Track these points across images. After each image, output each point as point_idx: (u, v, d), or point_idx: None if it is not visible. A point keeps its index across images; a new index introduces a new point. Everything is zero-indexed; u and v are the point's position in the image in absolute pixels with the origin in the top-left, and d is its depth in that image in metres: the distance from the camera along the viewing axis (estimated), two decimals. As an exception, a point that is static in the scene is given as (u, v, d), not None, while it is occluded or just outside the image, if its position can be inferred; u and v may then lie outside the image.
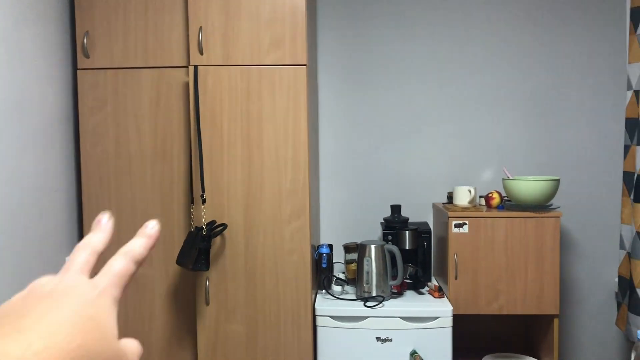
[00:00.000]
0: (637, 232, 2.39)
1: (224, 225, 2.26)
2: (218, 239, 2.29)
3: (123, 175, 2.36)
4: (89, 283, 0.40)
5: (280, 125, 2.27)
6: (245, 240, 2.30)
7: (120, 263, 0.43)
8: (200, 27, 2.27)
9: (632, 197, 2.47)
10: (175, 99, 2.34)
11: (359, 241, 2.79)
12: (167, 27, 2.33)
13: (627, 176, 2.53)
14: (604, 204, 2.84)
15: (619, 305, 2.59)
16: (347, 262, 2.71)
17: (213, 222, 2.26)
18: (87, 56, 2.32)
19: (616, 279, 2.79)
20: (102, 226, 0.47)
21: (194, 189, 2.29)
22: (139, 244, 0.45)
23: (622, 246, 2.57)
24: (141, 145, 2.35)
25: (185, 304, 2.39)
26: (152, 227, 0.47)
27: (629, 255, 2.48)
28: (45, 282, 0.40)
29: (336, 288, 2.56)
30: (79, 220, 2.42)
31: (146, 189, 2.36)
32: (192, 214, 2.29)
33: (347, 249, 2.74)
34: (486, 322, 2.85)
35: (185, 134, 2.34)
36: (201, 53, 2.28)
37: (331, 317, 2.36)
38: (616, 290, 2.79)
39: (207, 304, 2.31)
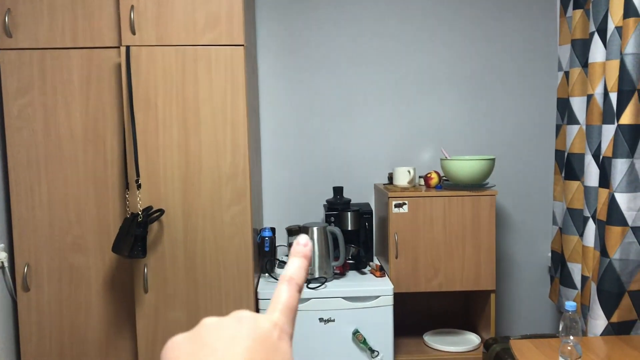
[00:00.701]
0: (568, 209, 2.48)
1: (161, 211, 2.21)
2: (155, 225, 2.23)
3: (53, 160, 2.26)
4: (274, 328, 0.40)
5: (218, 107, 2.23)
6: (183, 226, 2.25)
7: (289, 294, 0.42)
8: (132, 6, 2.18)
9: (563, 174, 2.56)
10: (107, 81, 2.25)
11: (301, 224, 2.79)
12: (97, 6, 2.23)
13: (559, 154, 2.61)
14: (537, 182, 2.94)
15: (552, 279, 2.69)
16: (290, 245, 2.71)
17: (149, 207, 2.20)
18: (9, 35, 2.20)
19: (549, 254, 2.90)
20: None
21: (128, 174, 2.22)
22: (299, 269, 0.44)
23: (554, 222, 2.67)
24: (72, 128, 2.25)
25: (123, 293, 2.33)
26: (306, 246, 0.45)
27: (561, 231, 2.57)
28: (232, 324, 0.40)
29: (279, 271, 2.55)
30: (7, 207, 2.30)
31: (78, 174, 2.27)
32: (128, 200, 2.22)
33: (290, 231, 2.73)
34: (426, 299, 2.91)
35: (118, 117, 2.26)
36: (133, 33, 2.19)
37: (274, 300, 2.35)
38: (549, 265, 2.90)
39: (146, 291, 2.25)
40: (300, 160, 2.90)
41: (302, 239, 0.45)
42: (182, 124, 2.22)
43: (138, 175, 2.19)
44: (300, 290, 0.43)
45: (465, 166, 2.49)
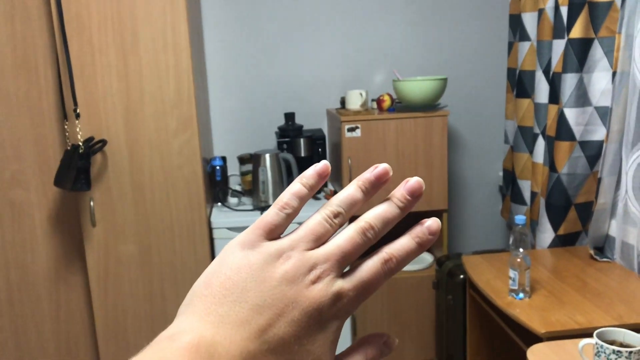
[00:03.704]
0: (519, 126, 2.49)
1: (103, 142, 2.11)
2: (99, 156, 2.13)
3: (-19, 92, 2.10)
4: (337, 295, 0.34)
5: (158, 29, 2.09)
6: (129, 156, 2.16)
7: (374, 272, 0.36)
8: None
9: (514, 92, 2.56)
10: (35, 4, 2.07)
11: (253, 152, 2.73)
12: None
13: (511, 72, 2.60)
14: (489, 102, 2.94)
15: (503, 197, 2.74)
16: (243, 174, 2.66)
17: (91, 138, 2.09)
18: None
19: (500, 173, 2.94)
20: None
21: (65, 104, 2.09)
22: (406, 253, 0.37)
23: (506, 141, 2.69)
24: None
25: (70, 228, 2.25)
26: (432, 234, 0.37)
27: (512, 149, 2.60)
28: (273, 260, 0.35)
29: (232, 200, 2.51)
30: None
31: (11, 106, 2.13)
32: (67, 131, 2.10)
33: (242, 160, 2.67)
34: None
35: (49, 43, 2.10)
36: (58, -52, 2.01)
37: (228, 228, 2.33)
38: (500, 184, 2.95)
39: (94, 225, 2.18)
40: (249, 86, 2.80)
41: (432, 223, 0.37)
42: (119, 47, 2.08)
43: (76, 104, 2.06)
44: (391, 273, 0.36)
45: (417, 87, 2.46)
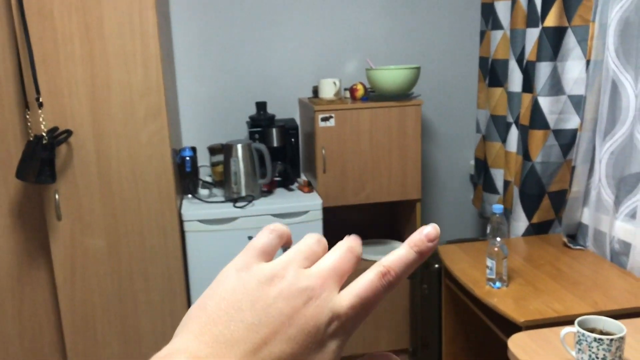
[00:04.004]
0: (492, 115, 2.50)
1: (68, 132, 2.02)
2: (63, 147, 2.04)
3: None
4: (332, 319, 0.33)
5: (124, 14, 2.01)
6: (95, 147, 2.08)
7: (370, 282, 0.34)
8: None
9: (487, 81, 2.56)
10: (-9, -14, 1.96)
11: (224, 142, 2.67)
12: None
13: (483, 61, 2.60)
14: (461, 91, 2.93)
15: (475, 186, 2.75)
16: (213, 165, 2.59)
17: (55, 128, 2.00)
18: None
19: (472, 162, 2.95)
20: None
21: (27, 92, 1.99)
22: (400, 261, 0.35)
23: (478, 130, 2.69)
24: (-47, 42, 1.98)
25: (34, 222, 2.16)
26: (431, 242, 0.35)
27: (484, 138, 2.60)
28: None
29: (203, 192, 2.45)
30: None
31: (-33, 95, 2.02)
32: (29, 121, 2.01)
33: (212, 150, 2.61)
34: (354, 212, 2.92)
35: (9, 29, 2.00)
36: None
37: (199, 221, 2.27)
38: (471, 173, 2.97)
39: (59, 219, 2.09)
40: (218, 74, 2.73)
41: (430, 230, 0.35)
42: (84, 33, 1.99)
43: (38, 93, 1.97)
44: (389, 289, 0.34)
45: (391, 76, 2.43)
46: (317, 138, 2.43)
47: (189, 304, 2.30)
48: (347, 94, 2.62)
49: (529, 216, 2.19)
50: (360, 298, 0.33)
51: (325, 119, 2.41)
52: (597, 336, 1.22)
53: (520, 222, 2.21)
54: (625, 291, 1.67)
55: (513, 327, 1.59)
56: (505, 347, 1.74)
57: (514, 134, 2.33)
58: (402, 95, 2.49)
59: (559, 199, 2.16)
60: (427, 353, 2.39)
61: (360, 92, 2.53)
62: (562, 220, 2.09)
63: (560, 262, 1.92)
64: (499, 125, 2.48)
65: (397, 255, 0.35)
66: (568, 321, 1.54)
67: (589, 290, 1.69)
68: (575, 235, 2.14)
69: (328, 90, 2.52)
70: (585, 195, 2.08)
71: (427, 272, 2.29)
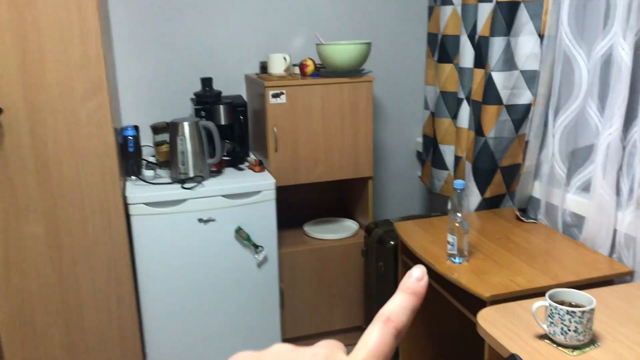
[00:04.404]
0: (441, 92, 2.50)
1: (-1, 109, 1.84)
2: (-7, 126, 1.86)
3: None
4: None
5: (58, -20, 1.83)
6: (29, 126, 1.91)
7: (380, 337, 0.34)
8: None
9: (435, 57, 2.55)
10: None
11: (168, 120, 2.54)
12: None
13: (431, 37, 2.59)
14: (409, 67, 2.92)
15: (423, 162, 2.76)
16: (157, 144, 2.46)
17: (-18, 106, 1.82)
18: None
19: (419, 139, 2.96)
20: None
21: (-52, 65, 1.79)
22: (402, 308, 0.35)
23: (426, 107, 2.69)
24: None
25: (-40, 209, 1.97)
26: (420, 281, 0.35)
27: (434, 115, 2.60)
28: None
29: (147, 173, 2.32)
30: None
31: None
32: (-49, 98, 1.81)
33: (156, 129, 2.47)
34: (305, 190, 2.87)
35: None
36: None
37: (146, 204, 2.14)
38: (418, 150, 2.98)
39: (-10, 205, 1.92)
40: (159, 48, 2.58)
41: (417, 271, 0.36)
42: (12, 0, 1.81)
43: (-39, 66, 1.77)
44: (397, 336, 0.34)
45: (342, 51, 2.37)
46: (268, 115, 2.34)
47: (136, 292, 2.19)
48: (296, 70, 2.55)
49: (482, 191, 2.21)
50: (372, 352, 0.33)
51: (276, 96, 2.33)
52: (570, 309, 1.23)
53: (473, 197, 2.23)
54: (582, 263, 1.72)
55: (477, 302, 1.59)
56: (464, 320, 1.75)
57: (465, 110, 2.33)
58: (353, 71, 2.44)
59: (511, 174, 2.20)
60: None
61: (310, 67, 2.46)
62: (516, 195, 2.13)
63: (516, 236, 1.95)
64: (449, 102, 2.48)
65: (395, 302, 0.35)
66: (532, 294, 1.57)
67: (547, 263, 1.72)
68: (526, 209, 2.19)
69: (278, 66, 2.43)
70: (536, 169, 2.11)
71: (383, 249, 2.27)
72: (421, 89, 2.90)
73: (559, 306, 1.24)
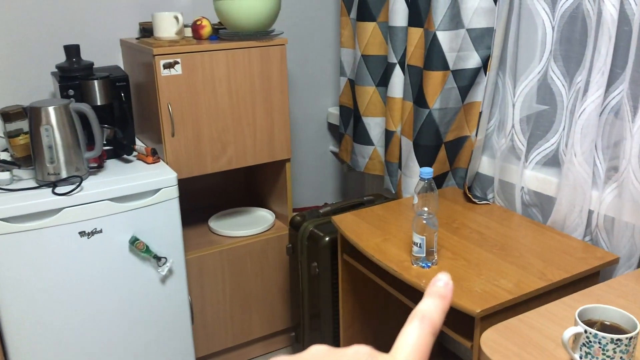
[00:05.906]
0: (363, 56, 2.15)
1: None
2: None
3: None
4: None
5: None
6: None
7: (420, 334, 0.31)
8: None
9: (352, 15, 2.19)
10: None
11: (24, 103, 1.94)
12: None
13: (347, -8, 2.21)
14: (320, 27, 2.53)
15: (341, 136, 2.42)
16: (11, 136, 1.87)
17: None
18: None
19: (332, 109, 2.61)
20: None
21: None
22: (436, 307, 0.33)
23: (342, 73, 2.33)
24: None
25: None
26: (447, 286, 0.34)
27: (352, 83, 2.26)
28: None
29: (1, 176, 1.74)
30: None
31: None
32: None
33: (7, 115, 1.87)
34: (208, 178, 2.42)
35: None
36: None
37: (3, 219, 1.58)
38: (330, 122, 2.63)
39: None
40: (5, 10, 1.95)
41: (442, 278, 0.34)
42: None
43: None
44: (435, 334, 0.32)
45: (247, 7, 1.92)
46: (160, 91, 1.85)
47: None
48: (188, 32, 2.06)
49: (425, 171, 1.92)
50: (414, 350, 0.31)
51: (169, 66, 1.84)
52: (614, 336, 0.97)
53: (414, 178, 1.94)
54: (561, 252, 1.49)
55: (456, 315, 1.31)
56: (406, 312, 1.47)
57: (398, 76, 2.01)
58: (262, 32, 2.01)
59: (453, 149, 1.93)
60: (317, 323, 2.06)
61: (207, 29, 1.99)
62: (467, 172, 1.86)
63: (472, 222, 1.69)
64: (373, 67, 2.14)
65: (427, 303, 0.33)
66: (523, 301, 1.31)
67: (524, 256, 1.48)
68: (471, 187, 1.94)
69: (167, 28, 1.93)
70: (484, 142, 1.86)
71: (316, 247, 1.92)
72: (335, 53, 2.53)
73: (600, 333, 0.98)
